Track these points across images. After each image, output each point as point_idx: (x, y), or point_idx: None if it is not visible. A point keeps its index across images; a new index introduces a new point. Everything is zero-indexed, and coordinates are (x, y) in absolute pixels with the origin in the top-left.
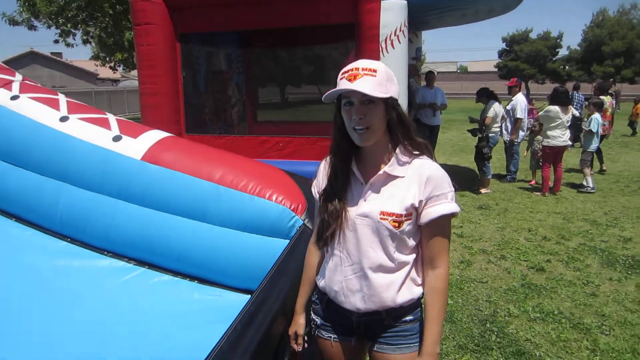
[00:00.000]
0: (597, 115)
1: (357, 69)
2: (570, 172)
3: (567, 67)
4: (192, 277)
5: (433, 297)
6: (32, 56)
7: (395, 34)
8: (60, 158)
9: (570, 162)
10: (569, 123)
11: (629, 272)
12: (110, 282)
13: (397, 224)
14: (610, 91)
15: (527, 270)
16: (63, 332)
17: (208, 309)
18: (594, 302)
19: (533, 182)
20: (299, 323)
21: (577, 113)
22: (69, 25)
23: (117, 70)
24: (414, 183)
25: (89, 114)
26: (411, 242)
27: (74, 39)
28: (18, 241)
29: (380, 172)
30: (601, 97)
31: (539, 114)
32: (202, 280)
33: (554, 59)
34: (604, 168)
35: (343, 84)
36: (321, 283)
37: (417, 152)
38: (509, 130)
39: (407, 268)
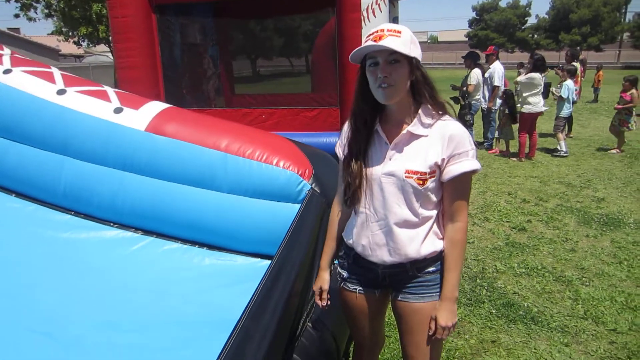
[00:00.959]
0: (569, 82)
1: (382, 30)
2: (544, 138)
3: (535, 36)
4: (201, 244)
5: (452, 248)
6: None
7: (376, 3)
8: (60, 132)
9: (543, 128)
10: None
11: (604, 229)
12: (120, 252)
13: (421, 182)
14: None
15: (510, 231)
16: (79, 300)
17: (220, 273)
18: (573, 257)
19: (496, 150)
20: (324, 278)
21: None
22: None
23: (81, 45)
24: (437, 142)
25: (86, 87)
26: (434, 198)
27: (36, 13)
28: (21, 215)
29: (404, 131)
30: (573, 63)
31: (518, 79)
32: (212, 247)
33: (523, 27)
34: (571, 135)
35: (368, 45)
36: (349, 240)
37: (440, 112)
38: (487, 97)
39: (430, 222)
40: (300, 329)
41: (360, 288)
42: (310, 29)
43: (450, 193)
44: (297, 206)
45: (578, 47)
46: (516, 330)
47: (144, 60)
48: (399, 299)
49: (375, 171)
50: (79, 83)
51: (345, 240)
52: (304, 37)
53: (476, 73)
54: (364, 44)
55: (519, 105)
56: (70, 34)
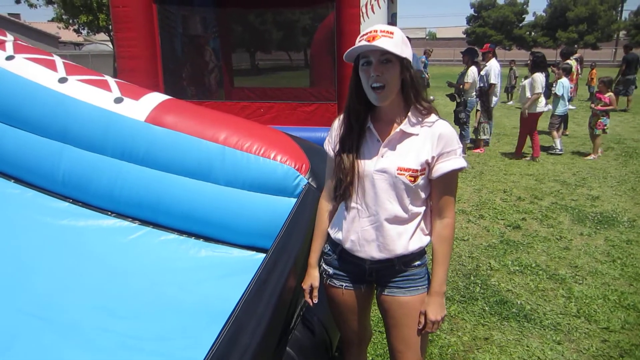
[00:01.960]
0: (564, 80)
1: (375, 31)
2: (540, 135)
3: (532, 34)
4: (197, 236)
5: (440, 243)
6: None
7: None
8: (60, 119)
9: (539, 126)
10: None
11: (598, 228)
12: (117, 240)
13: (413, 179)
14: (575, 56)
15: (505, 228)
16: (75, 286)
17: (216, 264)
18: (567, 255)
19: (481, 149)
20: (314, 276)
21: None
22: None
23: (81, 33)
24: (427, 140)
25: (87, 76)
26: (423, 195)
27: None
28: (20, 201)
29: (397, 130)
30: (568, 61)
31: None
32: (208, 239)
33: (520, 25)
34: (567, 133)
35: (363, 44)
36: (337, 235)
37: (426, 112)
38: None
39: (418, 219)
40: (294, 322)
41: (347, 284)
42: (309, 23)
43: (438, 190)
44: (293, 200)
45: (575, 45)
46: (509, 327)
47: (144, 50)
48: (385, 293)
49: (368, 167)
50: (81, 72)
51: (331, 236)
52: (303, 31)
53: (473, 71)
54: (357, 44)
55: (519, 105)
56: (70, 21)
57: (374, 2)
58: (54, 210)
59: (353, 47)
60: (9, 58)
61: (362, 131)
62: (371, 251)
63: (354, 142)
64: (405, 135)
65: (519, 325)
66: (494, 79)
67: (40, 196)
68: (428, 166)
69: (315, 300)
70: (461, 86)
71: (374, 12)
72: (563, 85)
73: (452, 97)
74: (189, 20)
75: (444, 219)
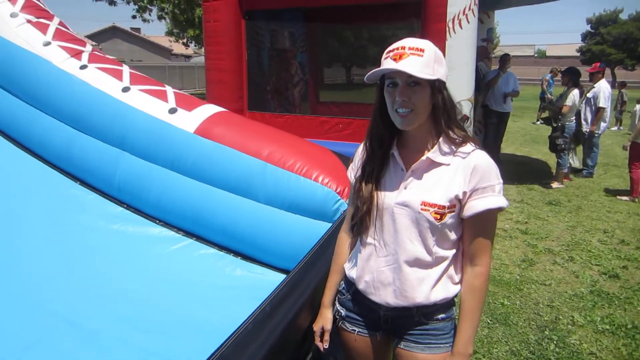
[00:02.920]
0: None
1: (403, 47)
2: None
3: None
4: (236, 253)
5: (470, 295)
6: (114, 31)
7: (463, 13)
8: (120, 127)
9: None
10: None
11: None
12: (159, 250)
13: (439, 216)
14: None
15: (599, 276)
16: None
17: (249, 286)
18: None
19: (569, 178)
20: (327, 317)
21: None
22: (145, 1)
23: (189, 46)
24: (459, 172)
25: (149, 86)
26: (452, 236)
27: (150, 15)
28: (80, 203)
29: (423, 157)
30: None
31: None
32: (246, 257)
33: None
34: None
35: (387, 64)
36: (351, 272)
37: (461, 139)
38: (589, 120)
39: (445, 264)
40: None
41: (360, 330)
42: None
43: (471, 232)
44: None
45: None
46: None
47: (231, 63)
48: (401, 346)
49: (388, 199)
50: (144, 82)
51: (346, 272)
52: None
53: (573, 93)
54: (382, 62)
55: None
56: (179, 35)
57: (462, 17)
58: (108, 214)
59: (376, 69)
60: (83, 67)
61: (386, 158)
62: (387, 296)
63: (375, 170)
64: (433, 164)
65: None
66: (603, 102)
67: (100, 200)
68: (459, 203)
69: (326, 345)
70: (558, 109)
71: (461, 27)
72: None
73: (547, 120)
74: (276, 34)
75: (475, 267)
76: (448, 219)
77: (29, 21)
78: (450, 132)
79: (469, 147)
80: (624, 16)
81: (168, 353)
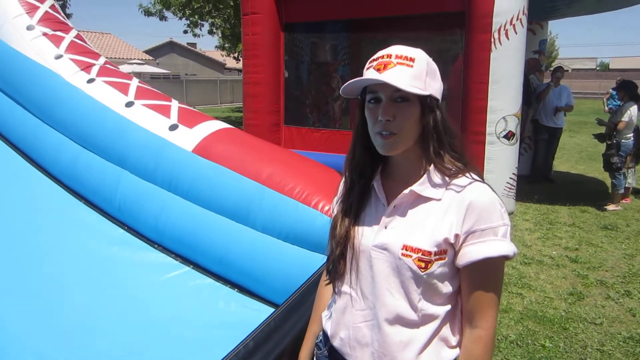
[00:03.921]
0: None
1: (389, 55)
2: None
3: None
4: (232, 284)
5: None
6: (171, 46)
7: (510, 23)
8: (121, 144)
9: None
10: None
11: None
12: (153, 278)
13: (423, 264)
14: None
15: None
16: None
17: (241, 323)
18: None
19: (627, 199)
20: None
21: None
22: (196, 17)
23: (239, 60)
24: (452, 210)
25: (153, 101)
26: (445, 289)
27: (201, 30)
28: (83, 225)
29: (407, 191)
30: None
31: None
32: (243, 289)
33: None
34: None
35: (369, 74)
36: (326, 325)
37: (457, 169)
38: None
39: (436, 323)
40: None
41: None
42: (446, 49)
43: (468, 284)
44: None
45: None
46: None
47: (268, 76)
48: None
49: (365, 240)
50: (149, 96)
51: (323, 323)
52: (441, 58)
53: (630, 109)
54: (364, 73)
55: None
56: (230, 49)
57: (509, 27)
58: (108, 237)
59: (354, 80)
60: (90, 81)
61: (366, 190)
62: (364, 358)
63: (354, 204)
64: (420, 199)
65: None
66: None
67: (101, 220)
68: (451, 248)
69: None
70: (613, 125)
71: (508, 39)
72: None
73: (601, 137)
74: (317, 47)
75: (475, 329)
76: (436, 267)
77: (45, 34)
78: (442, 161)
79: (465, 179)
80: None
81: None
